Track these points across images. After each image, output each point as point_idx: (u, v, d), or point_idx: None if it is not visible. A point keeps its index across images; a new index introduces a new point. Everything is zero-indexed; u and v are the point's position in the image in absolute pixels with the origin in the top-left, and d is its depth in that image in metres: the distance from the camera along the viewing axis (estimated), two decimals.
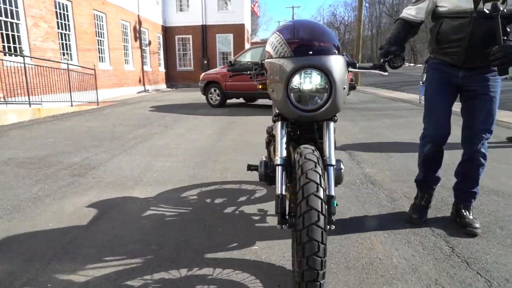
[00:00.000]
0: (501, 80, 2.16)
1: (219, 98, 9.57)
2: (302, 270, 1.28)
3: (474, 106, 2.16)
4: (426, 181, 2.44)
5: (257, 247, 2.07)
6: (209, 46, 20.27)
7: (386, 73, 1.79)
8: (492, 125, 2.16)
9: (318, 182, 1.32)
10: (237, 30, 20.27)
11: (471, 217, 2.27)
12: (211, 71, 10.16)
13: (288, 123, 1.72)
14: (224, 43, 20.54)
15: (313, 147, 1.52)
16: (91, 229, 2.35)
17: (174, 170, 3.70)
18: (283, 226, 1.59)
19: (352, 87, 1.89)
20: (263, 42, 11.65)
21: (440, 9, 2.09)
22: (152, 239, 2.19)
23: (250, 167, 2.49)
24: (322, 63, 1.49)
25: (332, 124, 1.66)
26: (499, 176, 3.32)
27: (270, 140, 2.03)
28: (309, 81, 1.52)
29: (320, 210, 1.27)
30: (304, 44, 1.53)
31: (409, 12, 2.23)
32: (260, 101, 10.59)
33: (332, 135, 1.65)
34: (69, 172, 3.67)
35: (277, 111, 1.69)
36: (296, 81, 1.52)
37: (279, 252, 2.01)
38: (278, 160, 1.65)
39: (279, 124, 1.68)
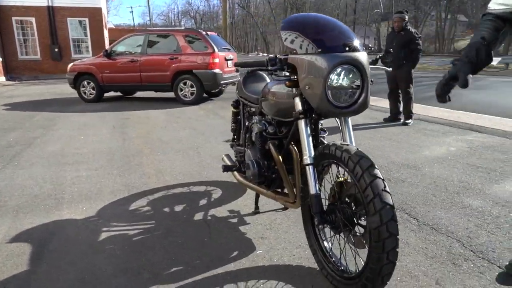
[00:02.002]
0: None
1: (94, 91, 8.44)
2: (381, 265, 1.30)
3: None
4: None
5: (261, 251, 1.97)
6: (59, 31, 17.51)
7: (390, 69, 1.92)
8: None
9: (382, 178, 1.34)
10: (94, 14, 18.09)
11: None
12: (80, 61, 8.85)
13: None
14: (78, 29, 18.09)
15: (352, 144, 1.53)
16: (41, 271, 1.81)
17: (97, 180, 3.15)
18: (324, 225, 1.56)
19: None
20: (142, 30, 10.77)
21: None
22: (135, 266, 1.84)
23: (232, 168, 2.34)
24: (358, 59, 1.50)
25: (349, 119, 1.70)
26: (399, 151, 3.97)
27: (267, 138, 1.95)
28: (345, 77, 1.51)
29: (393, 204, 1.30)
30: (339, 40, 1.51)
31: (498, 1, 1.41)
32: (140, 94, 9.83)
33: (352, 129, 1.69)
34: None
35: (300, 109, 1.62)
36: (334, 77, 1.49)
37: (285, 252, 1.96)
38: (307, 160, 1.60)
39: (303, 122, 1.62)
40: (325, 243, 1.77)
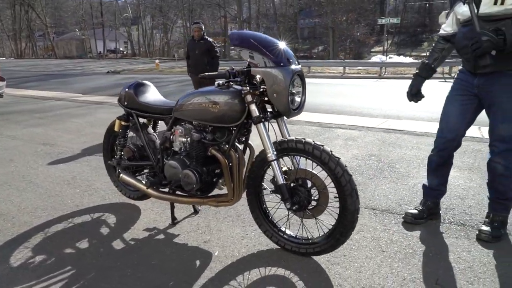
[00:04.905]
0: None
1: None
2: (353, 219, 1.79)
3: (489, 115, 2.15)
4: (428, 188, 2.46)
5: (217, 253, 2.07)
6: None
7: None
8: (506, 135, 2.05)
9: (340, 157, 1.82)
10: None
11: (494, 224, 2.18)
12: None
13: None
14: None
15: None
16: None
17: None
18: (295, 207, 1.90)
19: None
20: None
21: (460, 19, 2.15)
22: None
23: (160, 182, 2.23)
24: (301, 70, 1.89)
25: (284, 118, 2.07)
26: None
27: (208, 145, 2.02)
28: (296, 86, 1.88)
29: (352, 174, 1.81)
30: (285, 55, 1.84)
31: (442, 27, 2.35)
32: None
33: (287, 127, 2.08)
34: None
35: (258, 114, 1.86)
36: (292, 85, 1.82)
37: (237, 246, 2.14)
38: (272, 156, 1.88)
39: (262, 125, 1.87)
40: (278, 224, 2.11)
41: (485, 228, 2.17)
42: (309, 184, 1.96)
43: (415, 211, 2.43)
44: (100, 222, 2.49)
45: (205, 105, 2.01)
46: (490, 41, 1.78)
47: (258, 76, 1.85)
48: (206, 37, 6.09)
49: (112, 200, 2.86)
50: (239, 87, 1.91)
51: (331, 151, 1.81)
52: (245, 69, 1.85)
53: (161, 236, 2.28)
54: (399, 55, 25.88)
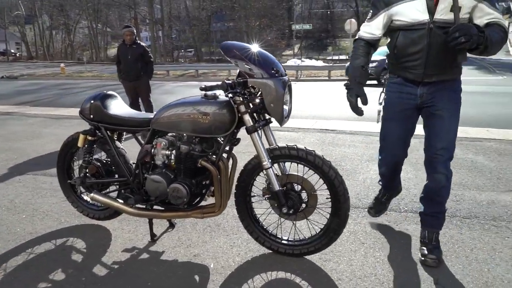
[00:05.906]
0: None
1: None
2: (346, 216, 1.94)
3: (432, 123, 2.04)
4: (388, 188, 2.53)
5: (212, 265, 2.04)
6: None
7: None
8: (451, 143, 2.00)
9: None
10: None
11: (433, 244, 2.08)
12: None
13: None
14: None
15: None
16: None
17: None
18: (291, 210, 1.98)
19: None
20: None
21: (396, 22, 1.97)
22: None
23: (142, 199, 2.10)
24: (290, 80, 1.98)
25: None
26: None
27: (196, 156, 1.97)
28: (286, 94, 1.95)
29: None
30: (273, 66, 1.91)
31: (366, 29, 2.08)
32: None
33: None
34: None
35: (252, 124, 1.89)
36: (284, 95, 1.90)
37: (231, 255, 2.14)
38: (268, 164, 1.94)
39: (256, 134, 1.91)
40: (270, 228, 2.17)
41: (429, 254, 2.03)
42: (297, 187, 2.06)
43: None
44: (67, 248, 2.25)
45: (193, 116, 1.97)
46: (477, 36, 1.66)
47: (251, 86, 1.90)
48: (139, 41, 5.83)
49: (71, 222, 2.60)
50: (227, 97, 1.93)
51: (322, 156, 1.94)
52: (241, 80, 1.87)
53: (145, 256, 2.16)
54: (310, 58, 27.76)
